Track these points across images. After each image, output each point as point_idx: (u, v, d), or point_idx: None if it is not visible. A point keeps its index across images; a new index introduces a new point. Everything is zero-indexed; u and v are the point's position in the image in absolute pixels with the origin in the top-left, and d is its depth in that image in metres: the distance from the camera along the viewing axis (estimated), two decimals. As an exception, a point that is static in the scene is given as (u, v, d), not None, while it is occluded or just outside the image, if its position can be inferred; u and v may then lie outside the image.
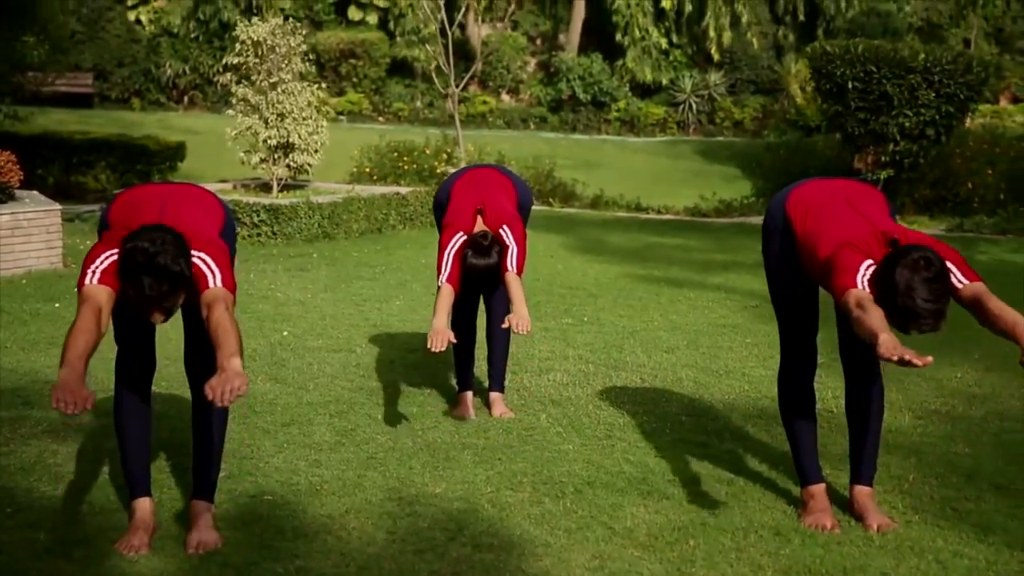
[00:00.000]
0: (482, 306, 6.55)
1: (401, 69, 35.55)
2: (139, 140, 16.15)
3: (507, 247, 6.11)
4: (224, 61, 13.89)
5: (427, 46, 28.11)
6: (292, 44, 13.27)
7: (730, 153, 26.89)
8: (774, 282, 5.00)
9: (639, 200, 17.38)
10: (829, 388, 6.57)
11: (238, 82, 13.52)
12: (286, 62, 13.25)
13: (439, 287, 5.94)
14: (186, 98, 34.38)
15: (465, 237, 6.03)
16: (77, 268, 9.88)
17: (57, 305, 8.88)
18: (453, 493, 5.02)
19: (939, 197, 16.00)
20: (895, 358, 3.81)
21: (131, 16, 35.95)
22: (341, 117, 33.35)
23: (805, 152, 17.94)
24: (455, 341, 5.68)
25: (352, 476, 5.21)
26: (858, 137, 14.83)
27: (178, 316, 4.51)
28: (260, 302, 9.33)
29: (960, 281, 4.33)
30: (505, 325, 5.89)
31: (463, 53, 36.77)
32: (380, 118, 33.93)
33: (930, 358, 3.82)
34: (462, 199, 6.24)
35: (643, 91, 36.57)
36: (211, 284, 4.11)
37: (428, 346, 5.54)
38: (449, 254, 5.98)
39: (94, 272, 4.15)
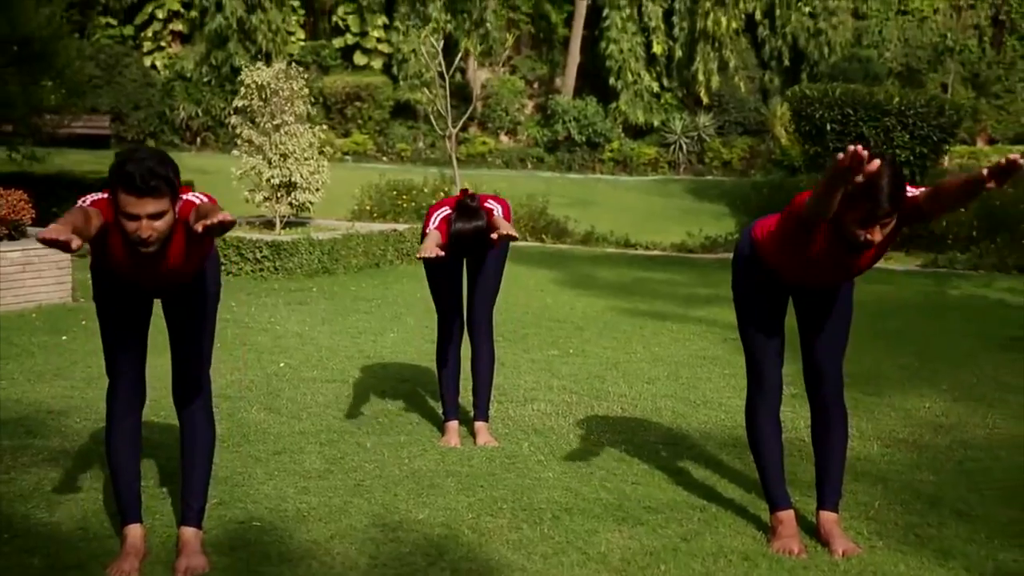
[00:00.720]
0: (466, 340, 6.51)
1: (404, 111, 35.66)
2: (149, 180, 16.10)
3: (491, 210, 6.04)
4: (232, 104, 13.89)
5: (428, 89, 28.24)
6: (294, 88, 13.31)
7: (718, 192, 26.93)
8: (742, 312, 4.97)
9: (628, 236, 17.38)
10: (802, 417, 6.54)
11: (242, 123, 13.54)
12: (289, 105, 13.28)
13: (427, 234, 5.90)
14: (199, 139, 34.47)
15: (450, 211, 6.00)
16: (86, 303, 9.91)
17: (64, 338, 8.86)
18: (435, 519, 4.99)
19: (915, 234, 15.99)
20: (849, 159, 3.79)
21: (147, 61, 36.09)
22: (347, 157, 33.44)
23: (788, 190, 17.83)
24: (443, 254, 5.66)
25: (338, 503, 5.18)
26: (836, 176, 14.79)
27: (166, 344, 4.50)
28: (259, 334, 9.32)
29: (913, 194, 4.27)
30: (495, 235, 5.87)
31: (463, 96, 36.87)
32: (384, 158, 33.99)
33: (876, 162, 3.83)
34: (445, 201, 6.21)
35: (635, 132, 36.68)
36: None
37: (418, 256, 5.63)
38: (435, 219, 5.99)
39: (86, 200, 4.06)
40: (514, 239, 5.88)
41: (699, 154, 35.20)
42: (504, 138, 37.48)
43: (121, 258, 4.18)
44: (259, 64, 13.62)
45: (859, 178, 3.90)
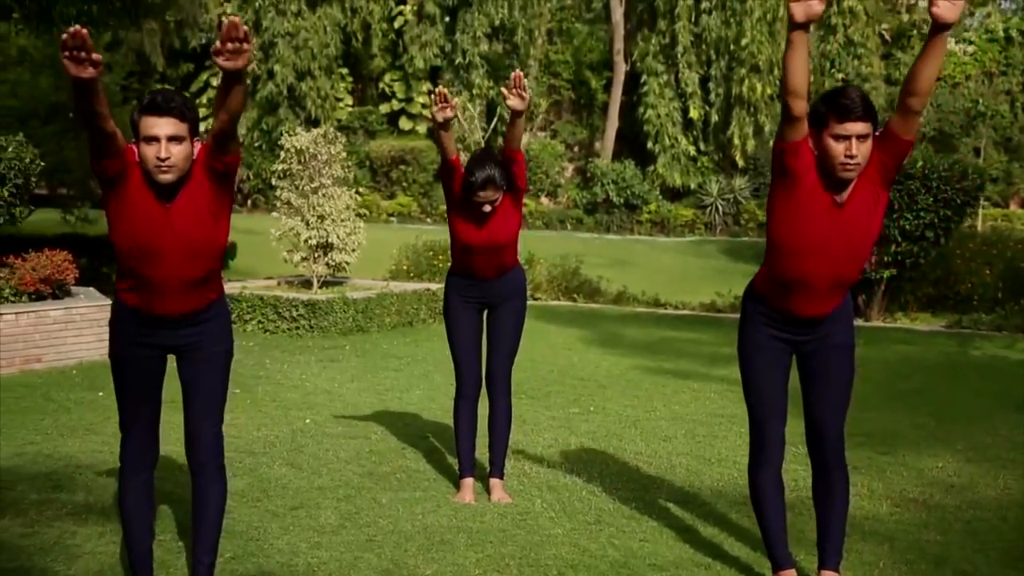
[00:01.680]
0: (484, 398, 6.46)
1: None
2: (193, 240, 16.27)
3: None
4: (273, 167, 14.01)
5: (470, 153, 28.30)
6: (332, 152, 13.40)
7: (753, 252, 26.83)
8: (745, 369, 4.90)
9: (658, 296, 17.31)
10: (804, 476, 6.43)
11: (272, 187, 13.65)
12: (327, 168, 13.37)
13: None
14: (249, 201, 34.82)
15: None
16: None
17: (100, 393, 8.89)
18: (443, 575, 4.94)
19: (941, 295, 15.87)
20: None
21: (201, 127, 36.50)
22: (392, 218, 33.69)
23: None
24: (453, 115, 5.84)
25: (349, 558, 5.14)
26: (862, 238, 14.71)
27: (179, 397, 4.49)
28: (289, 391, 9.32)
29: (895, 136, 4.34)
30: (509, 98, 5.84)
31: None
32: (428, 219, 34.17)
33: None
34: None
35: (673, 194, 36.72)
36: None
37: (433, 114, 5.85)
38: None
39: None
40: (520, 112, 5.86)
41: (735, 215, 35.18)
42: (545, 200, 37.61)
43: (139, 209, 4.18)
44: (299, 129, 13.69)
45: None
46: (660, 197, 36.32)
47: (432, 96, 5.98)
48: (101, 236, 17.80)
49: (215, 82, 36.96)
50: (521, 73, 5.98)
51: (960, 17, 4.14)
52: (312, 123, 35.01)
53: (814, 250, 4.47)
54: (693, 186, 36.27)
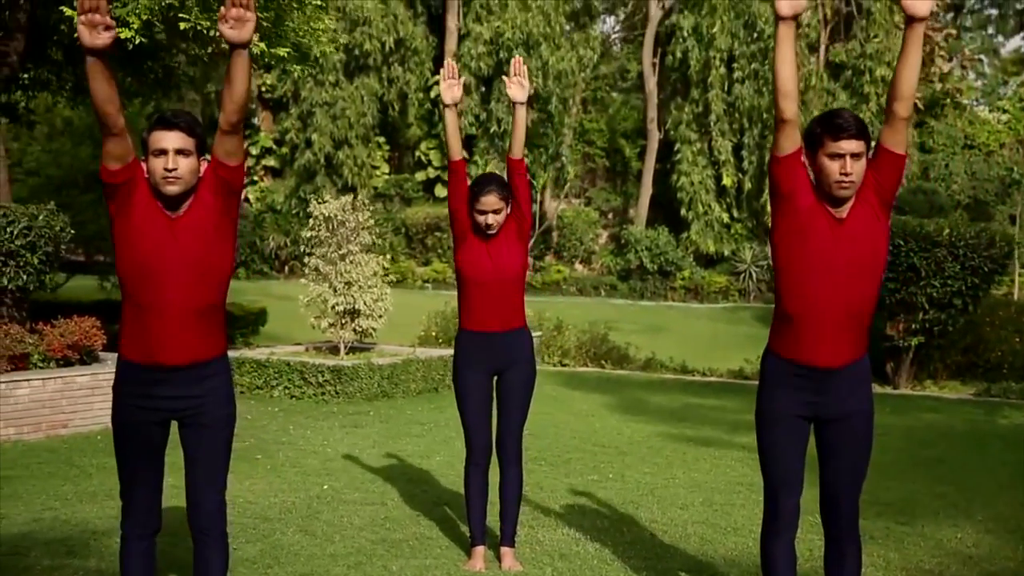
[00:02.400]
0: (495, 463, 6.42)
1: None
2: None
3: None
4: (302, 234, 14.12)
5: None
6: (360, 219, 13.48)
7: (786, 319, 26.63)
8: (762, 437, 4.81)
9: (686, 363, 17.22)
10: (819, 546, 6.33)
11: (310, 253, 13.74)
12: (355, 235, 13.44)
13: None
14: (286, 268, 35.02)
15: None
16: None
17: (124, 458, 8.89)
18: (445, 644, 4.90)
19: (970, 363, 15.71)
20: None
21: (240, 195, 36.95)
22: (427, 285, 33.78)
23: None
24: (460, 94, 6.07)
25: (353, 626, 5.09)
26: (889, 306, 14.64)
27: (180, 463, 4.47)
28: (310, 456, 9.31)
29: (884, 150, 4.44)
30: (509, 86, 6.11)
31: (540, 226, 37.21)
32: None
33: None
34: None
35: (707, 261, 36.69)
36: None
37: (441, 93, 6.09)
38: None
39: None
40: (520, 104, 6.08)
41: (769, 282, 35.02)
42: (579, 266, 37.66)
43: (144, 223, 4.23)
44: (327, 197, 13.79)
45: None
46: (694, 264, 36.29)
47: (442, 72, 6.18)
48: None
49: (254, 151, 37.41)
50: (520, 60, 6.11)
51: (931, 10, 4.28)
52: (349, 191, 35.29)
53: (818, 268, 4.43)
54: (727, 253, 36.23)
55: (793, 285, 4.51)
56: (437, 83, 37.17)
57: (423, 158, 37.62)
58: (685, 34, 37.37)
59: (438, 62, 38.23)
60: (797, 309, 4.52)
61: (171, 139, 4.20)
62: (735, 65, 36.42)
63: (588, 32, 40.31)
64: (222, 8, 4.15)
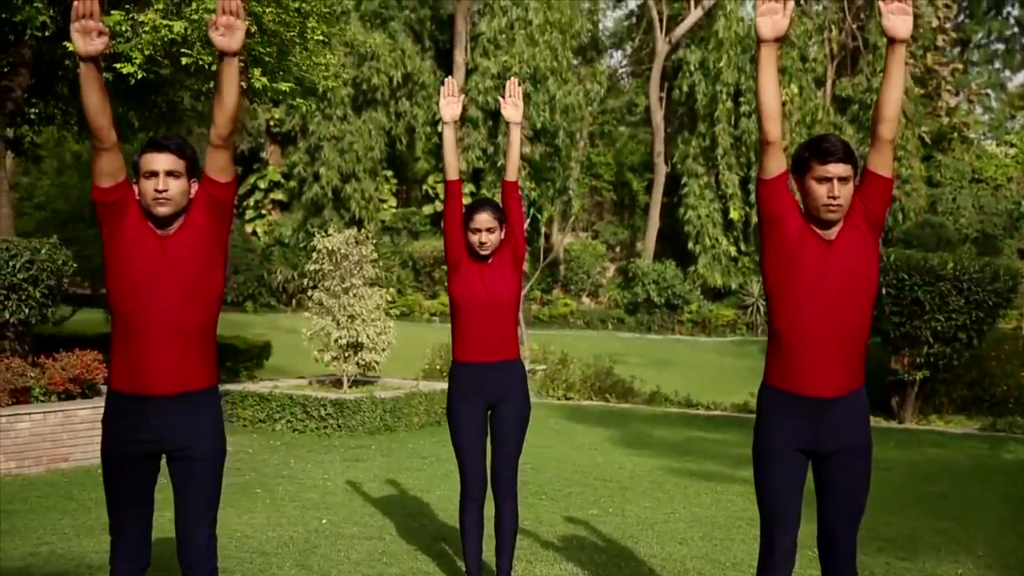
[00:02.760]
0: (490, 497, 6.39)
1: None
2: (228, 340, 16.40)
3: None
4: (306, 268, 14.15)
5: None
6: (363, 253, 13.49)
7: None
8: (759, 472, 4.77)
9: (690, 396, 17.18)
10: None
11: (314, 287, 13.75)
12: (358, 268, 13.45)
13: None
14: (294, 301, 35.02)
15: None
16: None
17: (123, 492, 8.87)
18: None
19: (976, 397, 15.64)
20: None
21: (248, 228, 37.04)
22: (434, 318, 33.74)
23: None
24: (459, 112, 6.14)
25: (345, 662, 5.06)
26: (894, 339, 14.60)
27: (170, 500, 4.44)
28: (309, 490, 9.28)
29: (872, 174, 4.46)
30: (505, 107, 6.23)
31: (545, 258, 37.25)
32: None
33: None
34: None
35: (714, 295, 36.69)
36: None
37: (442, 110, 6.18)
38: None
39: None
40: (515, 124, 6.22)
41: (776, 316, 34.96)
42: (586, 300, 37.66)
43: (135, 242, 4.26)
44: (332, 231, 13.82)
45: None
46: (701, 297, 36.28)
47: (442, 89, 6.26)
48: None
49: (262, 184, 37.55)
50: (516, 80, 6.17)
51: (911, 30, 4.37)
52: (357, 224, 35.37)
53: (809, 289, 4.41)
54: (734, 286, 36.24)
55: (784, 308, 4.49)
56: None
57: (430, 192, 37.70)
58: (692, 68, 37.54)
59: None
60: (789, 332, 4.50)
61: (161, 161, 4.25)
62: (742, 99, 36.53)
63: (595, 67, 40.47)
64: (212, 16, 4.24)
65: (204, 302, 4.37)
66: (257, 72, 10.72)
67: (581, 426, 13.88)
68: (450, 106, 6.18)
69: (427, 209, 37.66)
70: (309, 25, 10.91)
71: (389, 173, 37.83)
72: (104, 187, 4.24)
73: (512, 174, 6.24)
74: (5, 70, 12.10)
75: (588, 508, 8.84)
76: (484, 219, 6.05)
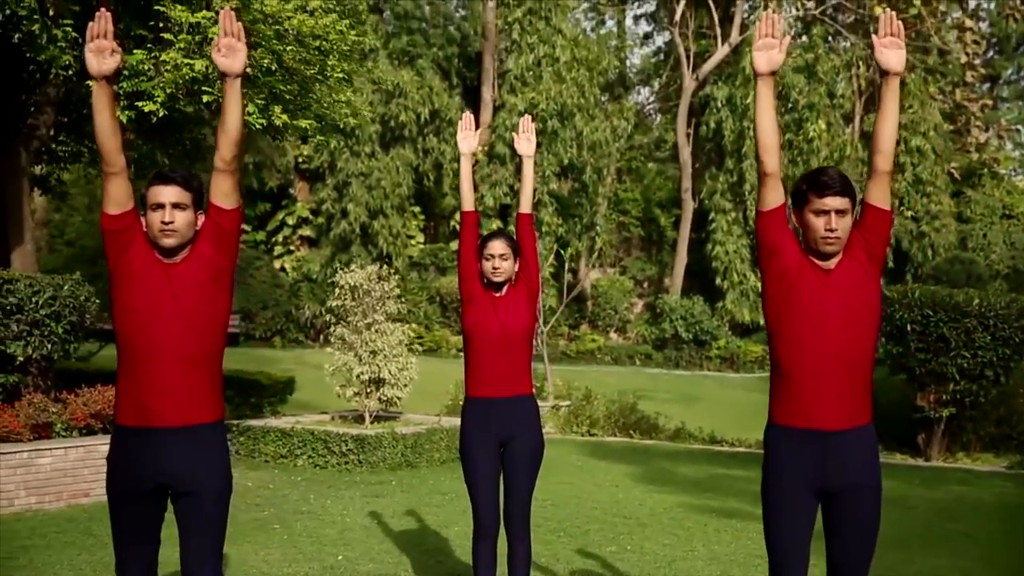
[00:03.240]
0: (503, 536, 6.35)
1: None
2: (253, 376, 16.44)
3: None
4: (328, 303, 14.19)
5: (543, 289, 28.50)
6: (385, 289, 13.52)
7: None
8: (768, 512, 4.71)
9: (715, 432, 17.08)
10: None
11: (336, 323, 13.77)
12: (380, 304, 13.47)
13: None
14: (322, 336, 35.07)
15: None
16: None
17: (142, 527, 8.87)
18: None
19: (1003, 435, 15.49)
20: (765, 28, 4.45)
21: (276, 264, 37.18)
22: (460, 353, 33.71)
23: (886, 388, 17.54)
24: (476, 145, 6.22)
25: None
26: (920, 376, 14.49)
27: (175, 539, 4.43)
28: (327, 527, 9.26)
29: (870, 207, 4.47)
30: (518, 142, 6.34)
31: (575, 295, 37.23)
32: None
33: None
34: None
35: (742, 330, 36.56)
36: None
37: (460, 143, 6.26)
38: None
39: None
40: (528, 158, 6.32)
41: (804, 351, 34.80)
42: (613, 335, 37.58)
43: (141, 272, 4.29)
44: (353, 266, 13.86)
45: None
46: (729, 333, 36.14)
47: (459, 124, 6.33)
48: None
49: (290, 220, 37.74)
50: (529, 118, 6.31)
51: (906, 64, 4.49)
52: (384, 260, 35.45)
53: (809, 318, 4.39)
54: (762, 322, 36.02)
55: (785, 340, 4.46)
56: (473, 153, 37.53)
57: (457, 228, 37.75)
58: (719, 105, 37.56)
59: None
60: (791, 364, 4.46)
61: (168, 193, 4.29)
62: (769, 135, 36.42)
63: (622, 103, 40.54)
64: (215, 38, 4.31)
65: (209, 331, 4.37)
66: (278, 109, 10.80)
67: (603, 462, 13.81)
68: (467, 139, 6.25)
69: (454, 245, 37.69)
70: (330, 63, 10.99)
71: (417, 209, 37.97)
72: (112, 214, 4.28)
73: (525, 207, 6.28)
74: (31, 109, 12.25)
75: (606, 545, 8.78)
76: (498, 246, 6.08)
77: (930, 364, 14.35)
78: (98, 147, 4.30)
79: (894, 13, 4.50)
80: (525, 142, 6.28)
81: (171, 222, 4.26)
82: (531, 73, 36.32)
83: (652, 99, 47.76)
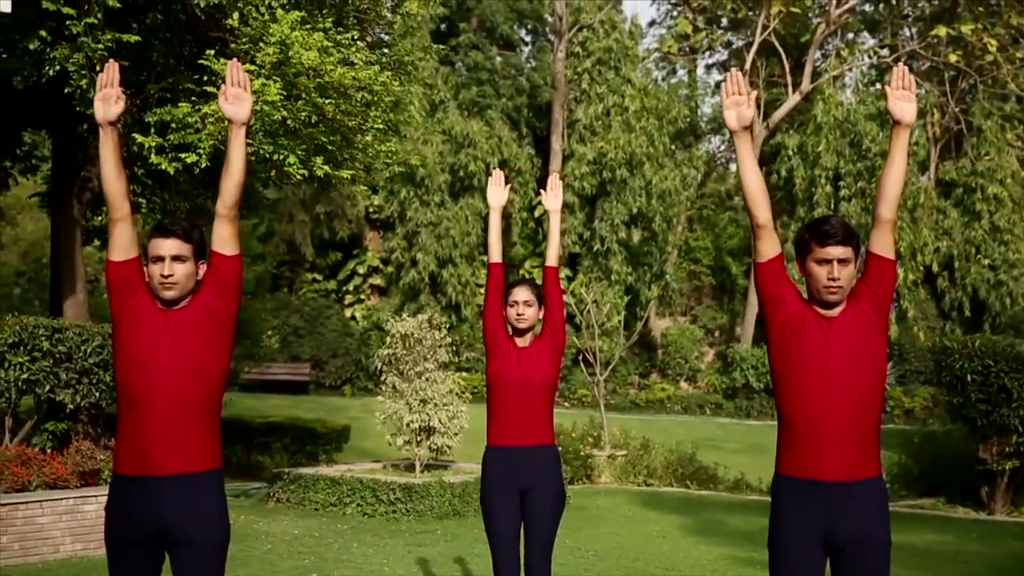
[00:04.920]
0: None
1: (586, 359, 35.93)
2: (309, 423, 16.57)
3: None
4: (378, 352, 14.26)
5: (609, 338, 28.50)
6: (436, 337, 13.56)
7: (897, 439, 25.95)
8: (774, 565, 4.62)
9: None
10: None
11: (388, 371, 13.83)
12: (431, 353, 13.51)
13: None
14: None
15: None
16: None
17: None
18: None
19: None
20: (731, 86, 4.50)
21: (347, 313, 37.47)
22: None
23: (938, 442, 17.19)
24: (504, 199, 6.29)
25: None
26: (982, 428, 14.18)
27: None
28: (364, 576, 9.25)
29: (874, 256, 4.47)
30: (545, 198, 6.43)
31: (645, 344, 37.04)
32: (566, 403, 34.07)
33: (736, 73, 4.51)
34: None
35: (814, 381, 36.02)
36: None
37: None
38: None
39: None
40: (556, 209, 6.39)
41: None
42: (684, 384, 37.28)
43: (142, 319, 4.34)
44: (405, 315, 13.94)
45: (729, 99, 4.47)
46: (803, 383, 35.68)
47: (490, 179, 6.41)
48: (224, 419, 18.22)
49: (361, 269, 38.06)
50: (557, 175, 6.47)
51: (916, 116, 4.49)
52: (453, 309, 35.59)
53: (813, 364, 4.35)
54: (835, 372, 35.62)
55: (790, 388, 4.43)
56: (541, 203, 37.70)
57: (526, 276, 37.91)
58: (790, 153, 37.32)
59: (542, 183, 38.64)
60: (795, 413, 4.42)
61: (168, 246, 4.35)
62: (841, 183, 36.18)
63: (692, 152, 40.44)
64: (223, 85, 4.44)
65: (206, 377, 4.40)
66: (319, 160, 10.95)
67: (655, 513, 13.65)
68: (497, 194, 6.32)
69: (524, 294, 37.82)
70: (371, 115, 11.11)
71: (485, 258, 38.12)
72: (117, 260, 4.37)
73: (552, 260, 6.32)
74: (84, 162, 12.53)
75: (642, 598, 8.66)
76: (522, 293, 6.11)
77: (992, 416, 14.03)
78: (104, 193, 4.40)
79: (906, 67, 4.56)
80: (552, 197, 6.37)
81: (171, 275, 4.32)
82: (600, 122, 36.41)
83: (722, 147, 47.59)
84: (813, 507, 4.42)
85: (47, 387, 10.49)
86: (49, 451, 10.17)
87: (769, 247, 4.45)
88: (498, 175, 6.45)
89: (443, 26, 41.84)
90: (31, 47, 10.94)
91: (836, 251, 4.32)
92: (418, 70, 13.88)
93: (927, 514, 14.31)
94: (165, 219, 4.49)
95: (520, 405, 6.13)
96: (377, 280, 38.39)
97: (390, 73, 11.27)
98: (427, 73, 37.82)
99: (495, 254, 6.29)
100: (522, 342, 6.16)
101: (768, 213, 4.45)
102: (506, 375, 6.13)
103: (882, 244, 4.40)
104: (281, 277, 37.84)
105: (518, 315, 6.11)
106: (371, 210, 38.01)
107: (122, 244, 4.37)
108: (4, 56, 11.95)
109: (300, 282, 38.13)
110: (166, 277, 4.32)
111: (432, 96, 37.39)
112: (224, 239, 4.40)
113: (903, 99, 4.45)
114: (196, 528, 4.38)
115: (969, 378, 14.07)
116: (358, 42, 11.31)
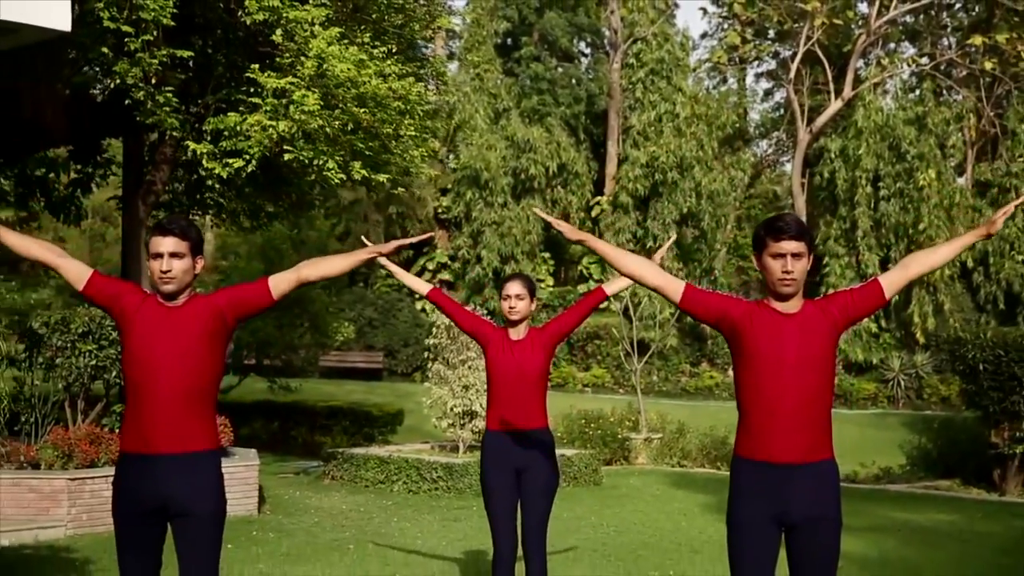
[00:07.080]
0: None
1: (640, 348, 35.77)
2: (366, 407, 16.69)
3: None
4: (425, 342, 14.33)
5: (662, 329, 28.44)
6: (479, 328, 13.58)
7: (934, 425, 25.51)
8: (731, 545, 4.58)
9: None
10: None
11: (434, 359, 13.89)
12: (473, 343, 13.52)
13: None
14: (456, 372, 35.35)
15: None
16: (272, 515, 10.12)
17: (230, 546, 8.99)
18: None
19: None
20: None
21: (418, 306, 37.62)
22: (587, 389, 33.68)
23: (954, 427, 16.88)
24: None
25: None
26: (994, 414, 13.94)
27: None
28: (398, 548, 9.27)
29: (877, 285, 4.51)
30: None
31: (696, 335, 36.80)
32: (620, 390, 33.97)
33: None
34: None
35: (856, 369, 35.59)
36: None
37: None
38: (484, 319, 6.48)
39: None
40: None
41: (917, 390, 33.90)
42: (731, 372, 36.94)
43: (144, 314, 4.45)
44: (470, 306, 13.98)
45: None
46: (843, 371, 35.22)
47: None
48: (290, 403, 18.42)
49: (430, 266, 38.22)
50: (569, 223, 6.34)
51: None
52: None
53: (766, 356, 4.32)
54: (875, 361, 35.11)
55: (747, 376, 4.41)
56: (598, 203, 37.73)
57: (584, 271, 37.92)
58: (833, 156, 36.82)
59: (599, 184, 38.65)
60: (750, 400, 4.40)
61: (166, 244, 4.44)
62: (880, 184, 35.66)
63: (739, 155, 40.12)
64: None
65: (201, 371, 4.47)
66: (357, 165, 11.04)
67: (681, 492, 13.57)
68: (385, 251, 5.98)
69: (582, 288, 37.67)
70: (405, 122, 11.18)
71: (547, 255, 38.08)
72: (81, 289, 4.57)
73: (611, 289, 6.41)
74: (148, 167, 12.75)
75: (649, 570, 8.62)
76: (514, 287, 6.15)
77: (1003, 402, 13.78)
78: (28, 258, 4.66)
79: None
80: (567, 230, 6.18)
81: (168, 270, 4.42)
82: (652, 128, 36.28)
83: (770, 151, 47.11)
84: (768, 488, 4.39)
85: (113, 372, 10.65)
86: (116, 431, 10.32)
87: (673, 288, 4.52)
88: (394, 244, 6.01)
89: (508, 40, 41.92)
90: (96, 61, 11.19)
91: (790, 245, 4.29)
92: (483, 82, 13.91)
93: (940, 495, 14.08)
94: (164, 219, 4.59)
95: (515, 393, 6.16)
96: (445, 275, 38.49)
97: (423, 85, 11.34)
98: (491, 84, 38.00)
99: (421, 287, 6.41)
100: (515, 334, 6.15)
101: (656, 275, 4.54)
102: (501, 365, 6.16)
103: (892, 285, 4.46)
104: (358, 273, 38.05)
105: (510, 308, 6.11)
106: (439, 210, 38.15)
107: (73, 277, 4.55)
108: (84, 69, 12.20)
109: (375, 277, 38.35)
110: (164, 272, 4.42)
111: (496, 105, 37.55)
112: (282, 290, 4.58)
113: (999, 223, 4.48)
114: (192, 502, 4.46)
115: (981, 367, 13.85)
116: (394, 55, 11.35)
